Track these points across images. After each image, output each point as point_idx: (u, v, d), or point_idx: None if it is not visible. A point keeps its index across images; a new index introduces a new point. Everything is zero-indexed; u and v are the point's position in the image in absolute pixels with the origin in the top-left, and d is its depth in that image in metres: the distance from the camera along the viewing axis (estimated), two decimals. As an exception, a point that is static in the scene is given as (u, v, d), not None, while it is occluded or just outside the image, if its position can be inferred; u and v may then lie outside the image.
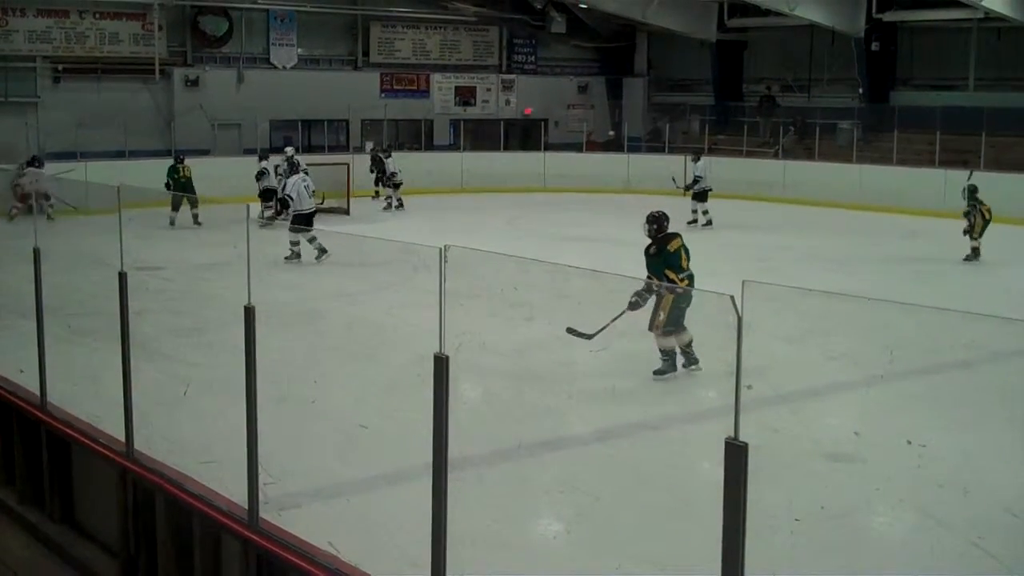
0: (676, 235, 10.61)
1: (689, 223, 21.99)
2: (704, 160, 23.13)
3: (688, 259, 10.40)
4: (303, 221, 17.44)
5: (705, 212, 22.45)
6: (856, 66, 30.58)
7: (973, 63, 29.50)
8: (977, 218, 18.35)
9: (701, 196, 22.56)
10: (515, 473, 7.64)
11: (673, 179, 23.29)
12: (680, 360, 10.15)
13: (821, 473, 7.60)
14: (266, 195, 21.94)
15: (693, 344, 10.04)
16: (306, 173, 18.52)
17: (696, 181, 22.69)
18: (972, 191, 18.53)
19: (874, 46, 30.05)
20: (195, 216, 21.41)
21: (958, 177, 24.66)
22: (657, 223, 10.56)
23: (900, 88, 31.03)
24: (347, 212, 23.46)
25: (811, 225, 21.97)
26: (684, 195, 22.76)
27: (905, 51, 30.96)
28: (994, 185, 23.56)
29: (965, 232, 18.38)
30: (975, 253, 18.32)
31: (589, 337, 9.84)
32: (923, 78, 30.71)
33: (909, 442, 7.83)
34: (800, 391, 9.75)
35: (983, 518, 6.71)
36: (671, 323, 9.92)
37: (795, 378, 10.10)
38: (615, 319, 9.96)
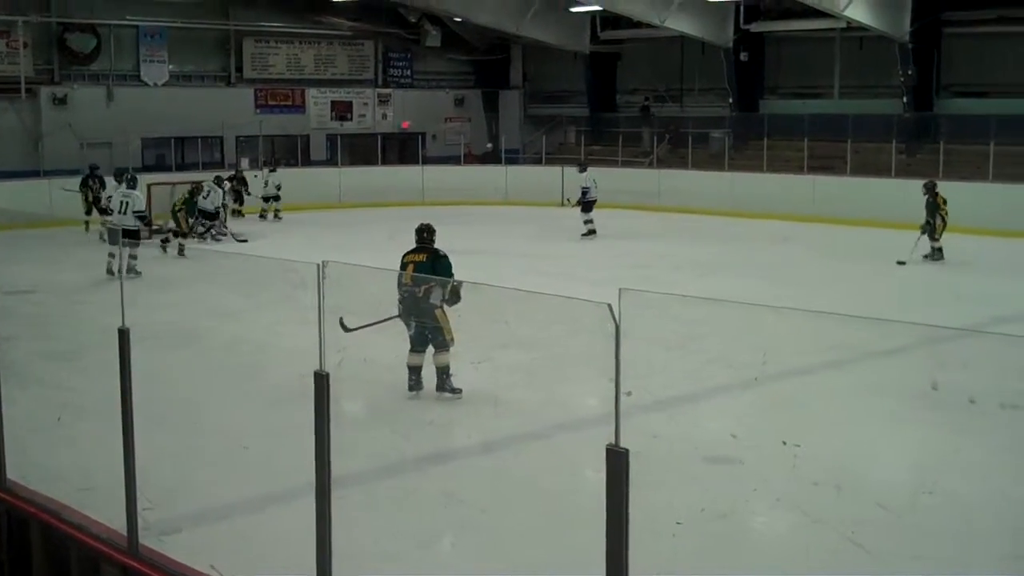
0: (417, 249, 10.56)
1: (583, 235, 22.29)
2: (590, 171, 23.33)
3: (411, 278, 10.01)
4: (128, 235, 17.05)
5: (588, 222, 22.67)
6: (726, 76, 31.27)
7: (838, 72, 30.40)
8: (939, 219, 19.10)
9: (587, 207, 22.79)
10: (400, 487, 7.63)
11: (566, 200, 23.52)
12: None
13: (701, 476, 7.76)
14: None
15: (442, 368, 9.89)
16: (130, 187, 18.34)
17: (584, 192, 22.90)
18: (932, 188, 19.44)
19: (743, 56, 30.79)
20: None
21: (826, 183, 25.49)
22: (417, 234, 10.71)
23: (769, 97, 31.83)
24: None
25: (687, 232, 22.36)
26: (573, 207, 22.97)
27: (772, 61, 31.77)
28: (860, 189, 24.37)
29: (923, 230, 19.03)
30: (938, 253, 19.13)
31: (347, 330, 9.40)
32: (790, 87, 31.56)
33: (784, 442, 8.04)
34: (679, 396, 9.92)
35: (856, 514, 6.91)
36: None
37: (673, 383, 10.27)
38: (382, 321, 9.85)
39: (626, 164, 30.92)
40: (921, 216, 19.23)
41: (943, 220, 19.13)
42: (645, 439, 7.26)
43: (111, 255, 16.10)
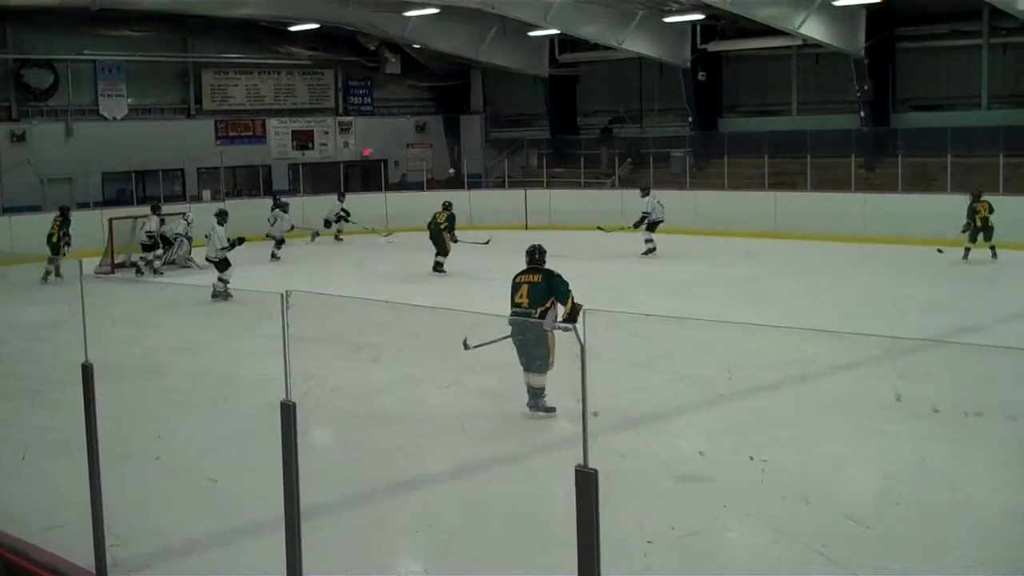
0: (529, 270, 10.56)
1: (643, 254, 22.52)
2: (653, 194, 23.33)
3: (531, 299, 10.18)
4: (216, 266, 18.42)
5: (649, 240, 22.75)
6: (685, 95, 31.49)
7: (795, 88, 30.71)
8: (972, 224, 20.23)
9: (651, 227, 22.88)
10: (370, 516, 7.60)
11: (599, 227, 23.66)
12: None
13: (670, 494, 7.78)
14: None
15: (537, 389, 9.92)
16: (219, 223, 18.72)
17: (644, 217, 22.91)
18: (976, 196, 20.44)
19: (701, 76, 31.05)
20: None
21: (787, 199, 25.69)
22: (527, 255, 10.74)
23: (728, 115, 32.08)
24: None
25: (637, 252, 22.45)
26: (634, 231, 23.07)
27: (730, 79, 32.05)
28: (820, 204, 24.57)
29: (964, 230, 20.22)
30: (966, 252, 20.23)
31: (467, 348, 9.62)
32: (749, 105, 31.84)
33: (752, 458, 8.08)
34: (646, 415, 9.95)
35: (825, 526, 6.95)
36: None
37: (641, 403, 10.30)
38: (498, 340, 9.83)
39: (588, 185, 31.07)
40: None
41: (976, 225, 20.26)
42: (614, 459, 7.28)
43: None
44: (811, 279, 19.05)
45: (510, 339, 9.75)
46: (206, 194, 29.68)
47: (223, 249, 18.08)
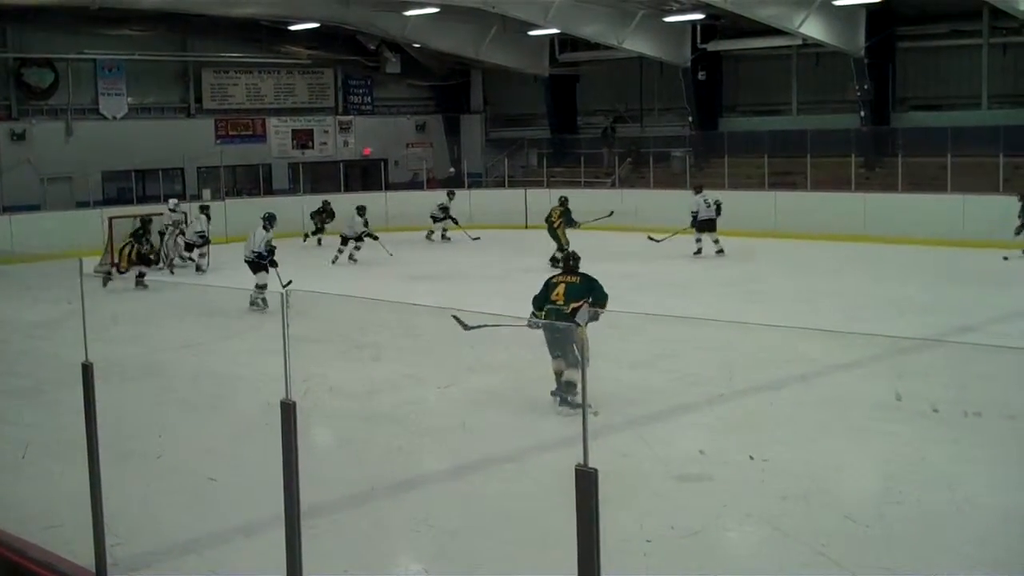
0: (566, 272, 10.79)
1: (695, 253, 22.31)
2: (705, 192, 22.97)
3: (566, 297, 10.23)
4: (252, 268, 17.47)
5: (698, 240, 22.54)
6: (685, 95, 31.49)
7: (795, 88, 30.70)
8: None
9: (700, 226, 22.54)
10: (370, 516, 7.60)
11: (650, 237, 23.34)
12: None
13: (670, 494, 7.78)
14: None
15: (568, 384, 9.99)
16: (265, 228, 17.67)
17: (694, 216, 22.61)
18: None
19: (701, 75, 31.04)
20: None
21: (787, 198, 25.68)
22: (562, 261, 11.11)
23: (728, 115, 32.07)
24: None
25: (650, 251, 22.43)
26: (686, 233, 22.78)
27: (731, 79, 32.03)
28: (820, 204, 24.56)
29: (1017, 232, 20.28)
30: None
31: (466, 327, 9.81)
32: (749, 104, 31.84)
33: (752, 457, 8.08)
34: (647, 415, 9.95)
35: (826, 526, 6.96)
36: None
37: (641, 403, 10.30)
38: (499, 325, 10.14)
39: (588, 185, 31.02)
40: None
41: None
42: (614, 458, 7.30)
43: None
44: (811, 279, 19.04)
45: (526, 327, 9.97)
46: (206, 193, 29.62)
47: (255, 253, 17.04)
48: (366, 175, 34.94)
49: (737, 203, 24.08)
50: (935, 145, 25.44)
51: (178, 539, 7.13)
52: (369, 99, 36.12)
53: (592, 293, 10.31)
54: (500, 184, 32.96)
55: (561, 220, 21.44)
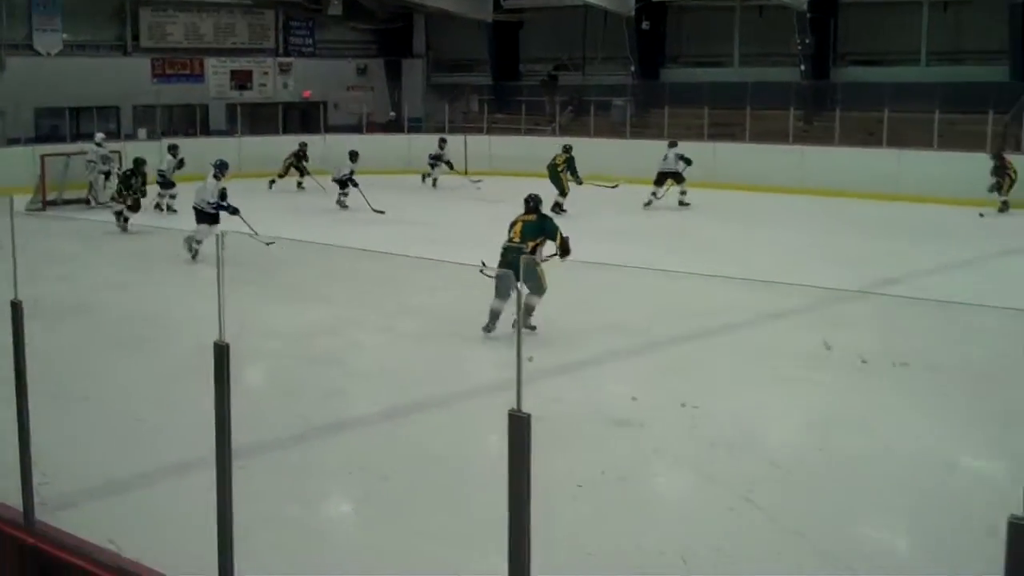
0: (526, 212, 11.37)
1: (645, 204, 22.27)
2: (678, 146, 22.98)
3: (522, 235, 10.97)
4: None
5: (683, 193, 22.49)
6: (628, 45, 31.45)
7: (737, 40, 30.80)
8: (1005, 179, 20.91)
9: (660, 178, 22.54)
10: (302, 457, 7.63)
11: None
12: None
13: (601, 439, 7.88)
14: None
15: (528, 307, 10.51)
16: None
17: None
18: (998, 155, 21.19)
19: (644, 25, 31.01)
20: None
21: (726, 150, 25.84)
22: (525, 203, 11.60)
23: (670, 65, 32.12)
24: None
25: (589, 200, 22.48)
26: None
27: (674, 29, 32.04)
28: (759, 156, 24.73)
29: (991, 190, 20.88)
30: (1005, 206, 20.87)
31: (491, 275, 10.18)
32: (691, 55, 31.90)
33: (683, 404, 8.20)
34: (580, 361, 10.04)
35: (751, 472, 7.09)
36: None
37: (575, 349, 10.39)
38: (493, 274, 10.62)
39: (529, 132, 30.96)
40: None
41: (1011, 178, 20.96)
42: (547, 404, 7.36)
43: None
44: (748, 229, 19.22)
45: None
46: (142, 132, 29.20)
47: (209, 203, 15.92)
48: (305, 118, 34.56)
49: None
50: (873, 100, 25.66)
51: (107, 479, 7.10)
52: (310, 41, 35.67)
53: (543, 230, 11.10)
54: (440, 130, 32.72)
55: (565, 165, 21.72)
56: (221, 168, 16.55)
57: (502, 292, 10.43)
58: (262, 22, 34.50)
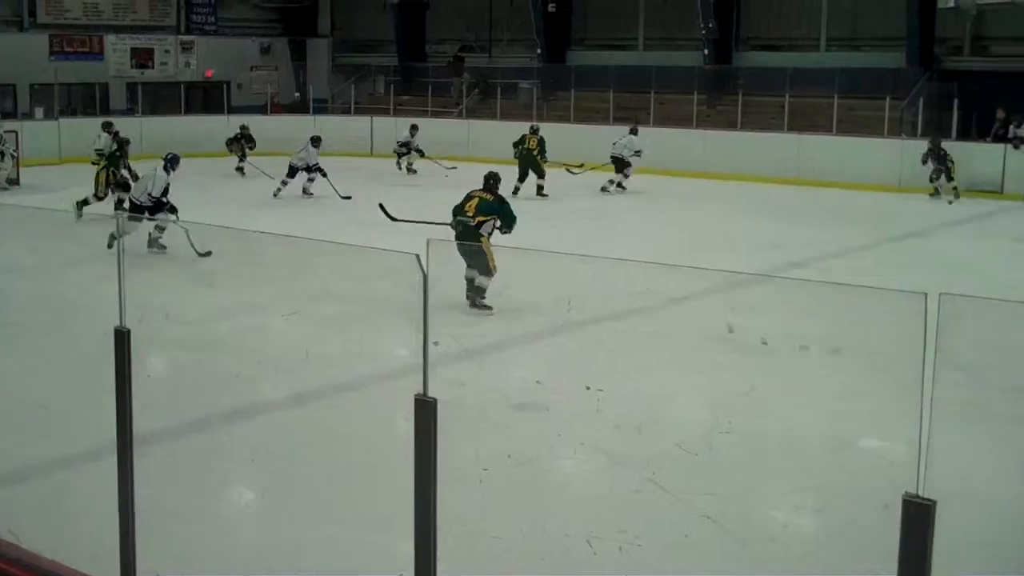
0: (484, 188, 12.08)
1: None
2: (639, 133, 22.94)
3: (476, 210, 11.75)
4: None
5: (625, 176, 22.56)
6: (534, 27, 31.49)
7: (642, 24, 31.00)
8: (952, 167, 21.06)
9: (616, 163, 22.59)
10: (207, 444, 7.55)
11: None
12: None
13: (508, 423, 7.91)
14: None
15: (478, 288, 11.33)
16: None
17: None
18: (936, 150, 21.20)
19: (550, 7, 31.07)
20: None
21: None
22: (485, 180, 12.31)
23: (576, 48, 32.24)
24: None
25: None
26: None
27: (579, 12, 32.15)
28: (663, 140, 24.94)
29: (934, 179, 21.27)
30: (956, 193, 21.12)
31: (392, 219, 11.10)
32: (597, 38, 32.04)
33: (588, 387, 8.27)
34: (487, 345, 10.08)
35: (657, 454, 7.17)
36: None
37: (482, 332, 10.41)
38: (429, 223, 11.66)
39: (436, 115, 30.87)
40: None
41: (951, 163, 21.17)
42: (454, 388, 7.38)
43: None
44: (652, 213, 19.43)
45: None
46: (39, 111, 28.48)
47: (152, 197, 14.89)
48: (208, 98, 34.02)
49: (582, 137, 24.34)
50: (774, 85, 26.08)
51: (7, 468, 6.95)
52: (212, 19, 35.09)
53: (501, 214, 11.77)
54: (346, 111, 32.56)
55: (539, 148, 21.85)
56: (172, 163, 15.54)
57: (467, 260, 11.32)
58: (163, -1, 33.90)
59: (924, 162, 21.25)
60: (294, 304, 11.21)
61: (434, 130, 28.11)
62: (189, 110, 31.52)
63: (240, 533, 6.29)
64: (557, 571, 5.74)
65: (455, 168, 24.44)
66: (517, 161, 21.91)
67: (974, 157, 22.04)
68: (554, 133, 25.91)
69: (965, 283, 12.80)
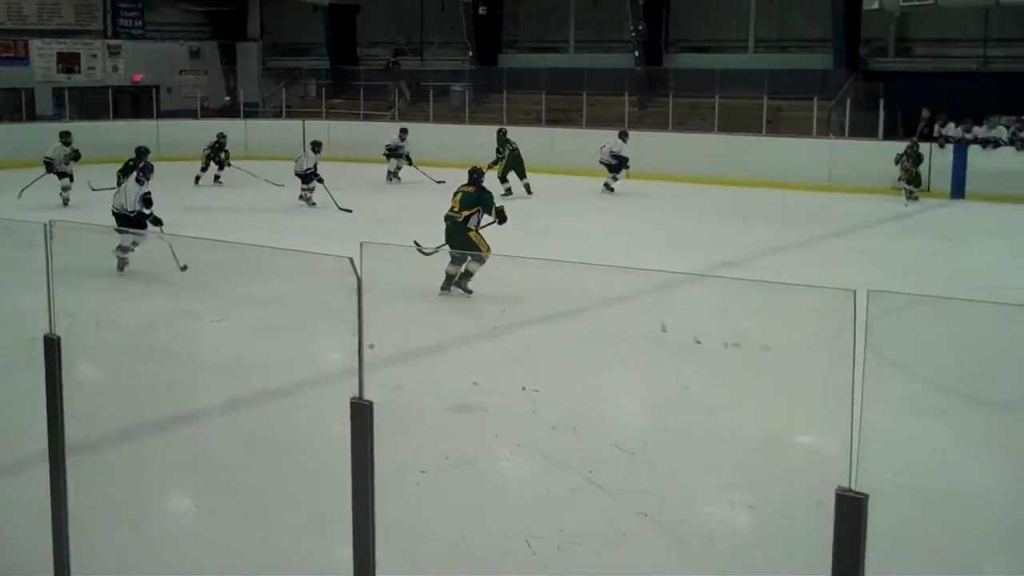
0: (468, 183, 12.83)
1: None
2: (626, 139, 22.93)
3: (461, 204, 12.46)
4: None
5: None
6: (465, 29, 31.50)
7: (572, 26, 31.13)
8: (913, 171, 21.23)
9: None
10: (140, 453, 7.45)
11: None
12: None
13: (445, 425, 7.91)
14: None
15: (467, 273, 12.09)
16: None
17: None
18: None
19: (481, 10, 31.07)
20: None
21: (564, 135, 26.12)
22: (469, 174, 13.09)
23: (507, 51, 32.31)
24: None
25: (428, 185, 22.50)
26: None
27: (510, 15, 32.22)
28: (595, 141, 25.05)
29: (900, 180, 21.30)
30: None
31: (429, 253, 11.16)
32: (528, 41, 32.13)
33: (524, 388, 8.27)
34: (423, 348, 10.05)
35: (594, 454, 7.20)
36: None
37: (417, 336, 10.39)
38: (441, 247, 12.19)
39: (368, 118, 30.76)
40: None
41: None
42: (389, 391, 7.35)
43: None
44: (586, 215, 19.50)
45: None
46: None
47: (133, 210, 14.01)
48: (137, 102, 33.58)
49: (514, 138, 24.34)
50: (704, 86, 26.31)
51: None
52: (140, 23, 34.65)
53: (481, 202, 12.44)
54: (277, 115, 32.34)
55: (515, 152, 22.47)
56: (146, 172, 14.56)
57: (455, 259, 11.97)
58: (89, 2, 33.39)
59: (899, 162, 21.36)
60: (225, 309, 11.11)
61: (366, 133, 28.03)
62: (118, 115, 31.08)
63: (176, 541, 6.23)
64: (496, 572, 5.75)
65: (444, 183, 23.75)
66: (505, 163, 22.38)
67: (900, 156, 22.41)
68: (487, 136, 25.94)
69: (893, 280, 13.02)
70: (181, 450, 7.43)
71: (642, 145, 25.07)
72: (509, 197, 20.70)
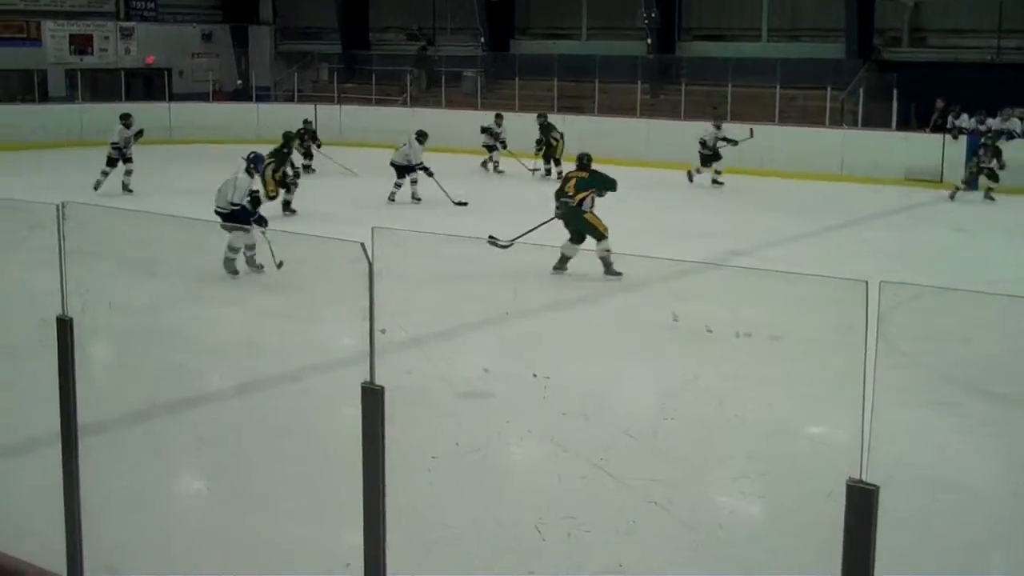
0: (579, 168, 13.62)
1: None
2: (721, 127, 22.40)
3: (576, 189, 13.08)
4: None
5: (717, 172, 22.08)
6: (477, 15, 31.44)
7: (585, 13, 31.04)
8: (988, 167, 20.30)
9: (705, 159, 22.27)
10: (151, 434, 7.47)
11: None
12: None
13: (455, 410, 7.91)
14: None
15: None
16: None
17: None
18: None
19: (493, -4, 31.05)
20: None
21: (575, 122, 26.05)
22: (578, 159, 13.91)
23: (520, 37, 32.24)
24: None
25: (443, 171, 22.44)
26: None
27: (523, 1, 32.14)
28: (607, 129, 25.01)
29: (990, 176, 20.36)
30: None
31: (505, 246, 10.89)
32: (540, 27, 32.06)
33: (535, 375, 8.26)
34: (433, 333, 10.03)
35: (604, 441, 7.20)
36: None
37: (428, 321, 10.37)
38: (537, 227, 13.02)
39: (380, 103, 30.74)
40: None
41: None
42: (400, 376, 7.34)
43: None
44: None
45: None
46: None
47: (233, 205, 13.06)
48: (149, 85, 33.58)
49: (526, 125, 24.31)
50: (717, 75, 26.25)
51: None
52: (152, 5, 34.65)
53: (594, 184, 13.08)
54: (289, 99, 32.32)
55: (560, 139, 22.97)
56: (255, 163, 13.70)
57: (573, 238, 12.70)
58: (102, -16, 33.42)
59: (975, 153, 20.56)
60: (238, 294, 11.13)
61: (379, 118, 28.03)
62: (130, 97, 31.07)
63: (187, 523, 6.25)
64: (506, 558, 5.76)
65: (539, 171, 23.37)
66: (547, 148, 23.03)
67: (913, 147, 22.34)
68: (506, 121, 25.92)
69: (905, 271, 12.98)
70: (192, 433, 7.44)
71: (654, 133, 25.07)
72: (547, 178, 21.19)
